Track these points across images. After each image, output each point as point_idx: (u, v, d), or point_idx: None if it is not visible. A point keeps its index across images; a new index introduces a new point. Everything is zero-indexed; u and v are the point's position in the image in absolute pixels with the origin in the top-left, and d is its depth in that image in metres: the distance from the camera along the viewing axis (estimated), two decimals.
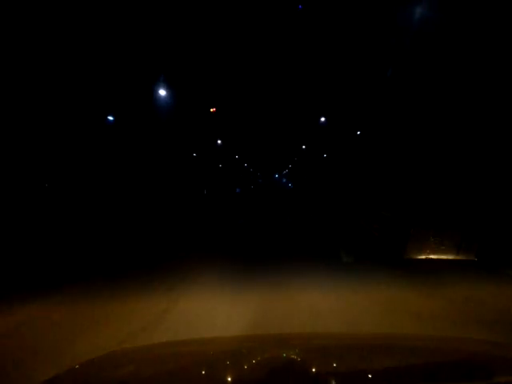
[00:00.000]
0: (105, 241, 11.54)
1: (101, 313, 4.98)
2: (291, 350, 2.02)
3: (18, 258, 8.99)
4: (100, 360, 1.95)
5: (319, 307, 5.07)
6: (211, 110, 46.50)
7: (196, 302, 5.47)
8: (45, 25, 17.87)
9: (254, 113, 74.46)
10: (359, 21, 21.54)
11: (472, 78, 14.58)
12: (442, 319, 4.74)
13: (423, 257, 8.23)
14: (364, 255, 9.08)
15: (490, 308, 5.24)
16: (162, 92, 26.52)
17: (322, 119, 42.95)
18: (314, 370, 1.74)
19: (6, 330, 4.54)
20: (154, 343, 3.04)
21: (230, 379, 1.61)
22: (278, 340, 2.31)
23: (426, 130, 17.74)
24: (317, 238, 11.94)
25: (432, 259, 8.16)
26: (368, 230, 13.05)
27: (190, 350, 2.05)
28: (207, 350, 2.06)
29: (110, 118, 25.92)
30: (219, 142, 54.56)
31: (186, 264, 8.03)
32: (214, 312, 4.97)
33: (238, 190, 73.68)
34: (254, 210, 24.77)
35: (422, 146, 18.05)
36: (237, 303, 5.27)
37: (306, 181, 67.25)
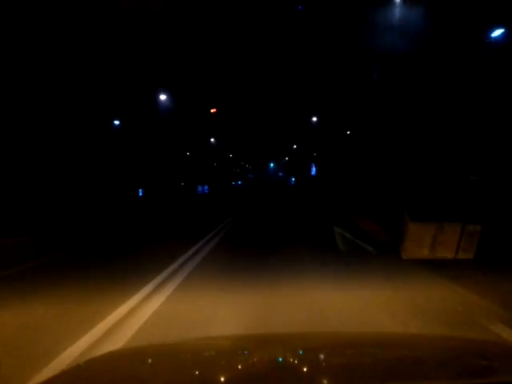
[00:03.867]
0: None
1: None
2: (289, 350, 2.05)
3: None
4: (99, 360, 1.97)
5: None
6: (212, 110, 46.06)
7: None
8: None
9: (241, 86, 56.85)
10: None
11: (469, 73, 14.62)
12: None
13: (423, 257, 7.48)
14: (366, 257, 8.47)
15: None
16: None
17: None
18: (313, 369, 1.76)
19: None
20: (152, 343, 3.05)
21: (229, 379, 1.63)
22: (276, 339, 2.34)
23: (427, 124, 17.67)
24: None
25: (433, 259, 7.42)
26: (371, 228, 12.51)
27: (189, 350, 2.07)
28: (206, 349, 2.08)
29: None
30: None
31: None
32: None
33: (205, 190, 55.28)
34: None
35: (423, 140, 17.97)
36: None
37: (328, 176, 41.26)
